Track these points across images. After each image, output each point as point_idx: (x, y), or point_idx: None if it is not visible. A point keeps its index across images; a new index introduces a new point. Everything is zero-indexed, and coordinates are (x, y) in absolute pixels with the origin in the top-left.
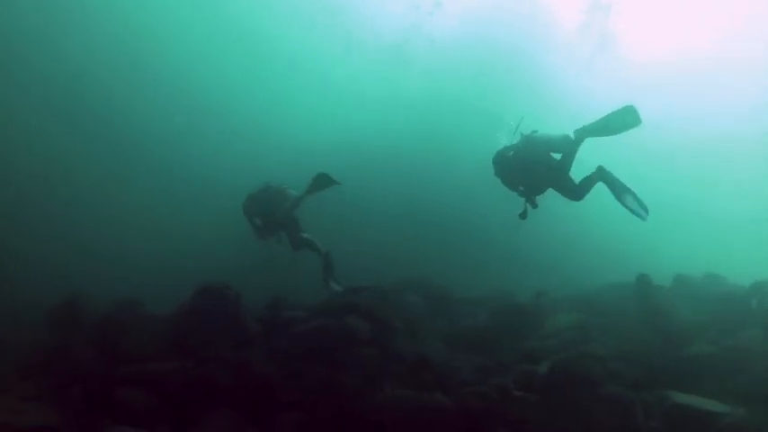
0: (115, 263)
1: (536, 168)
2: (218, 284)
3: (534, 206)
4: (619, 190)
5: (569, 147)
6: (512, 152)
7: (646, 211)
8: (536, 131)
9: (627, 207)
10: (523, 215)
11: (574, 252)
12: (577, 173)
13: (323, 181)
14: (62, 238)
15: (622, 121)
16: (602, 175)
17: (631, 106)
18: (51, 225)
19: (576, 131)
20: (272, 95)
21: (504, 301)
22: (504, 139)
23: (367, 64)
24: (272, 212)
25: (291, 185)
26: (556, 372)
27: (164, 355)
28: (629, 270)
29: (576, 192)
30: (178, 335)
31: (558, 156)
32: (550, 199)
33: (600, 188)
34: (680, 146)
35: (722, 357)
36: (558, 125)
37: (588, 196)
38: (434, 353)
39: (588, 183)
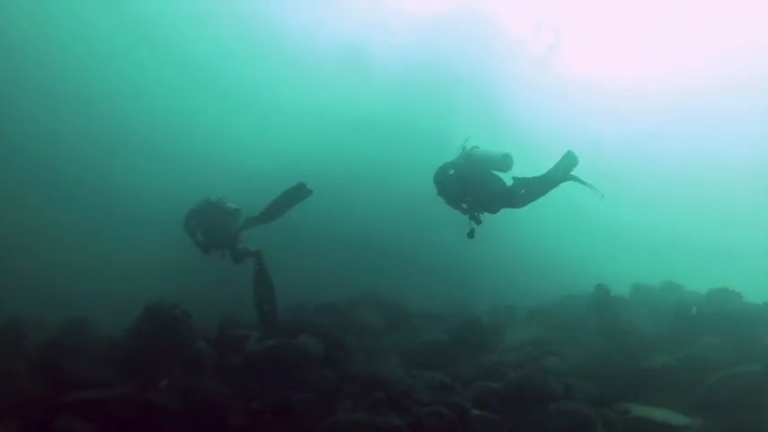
0: (62, 284)
1: (476, 186)
2: (166, 304)
3: (478, 223)
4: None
5: (513, 186)
6: (452, 170)
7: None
8: (477, 147)
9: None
10: (471, 234)
11: (531, 265)
12: None
13: (295, 194)
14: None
15: (565, 168)
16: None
17: (570, 152)
18: None
19: (516, 180)
20: (188, 109)
21: (462, 315)
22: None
23: (304, 79)
24: (213, 227)
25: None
26: (513, 388)
27: (109, 379)
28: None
29: (522, 201)
30: (124, 358)
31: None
32: (504, 214)
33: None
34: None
35: (680, 368)
36: (510, 146)
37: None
38: (390, 371)
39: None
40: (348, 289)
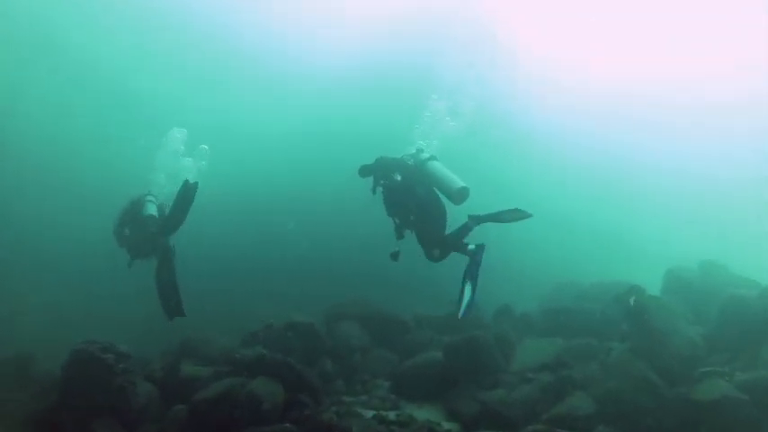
0: None
1: (416, 201)
2: (94, 348)
3: (400, 238)
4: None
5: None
6: (399, 176)
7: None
8: (434, 158)
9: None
10: (395, 256)
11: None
12: None
13: (186, 191)
14: None
15: (513, 215)
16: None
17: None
18: None
19: (471, 217)
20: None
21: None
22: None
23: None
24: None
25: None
26: None
27: None
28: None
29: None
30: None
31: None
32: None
33: None
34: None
35: (740, 399)
36: None
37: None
38: (365, 423)
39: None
40: (330, 301)
